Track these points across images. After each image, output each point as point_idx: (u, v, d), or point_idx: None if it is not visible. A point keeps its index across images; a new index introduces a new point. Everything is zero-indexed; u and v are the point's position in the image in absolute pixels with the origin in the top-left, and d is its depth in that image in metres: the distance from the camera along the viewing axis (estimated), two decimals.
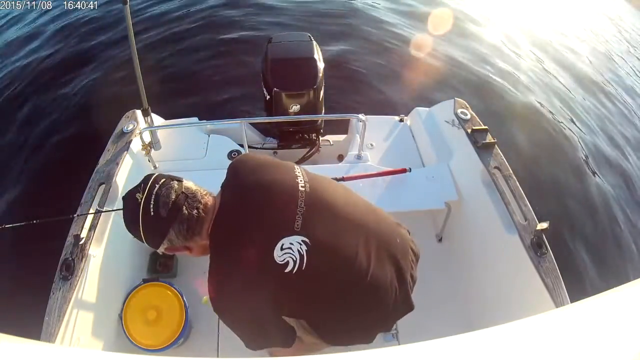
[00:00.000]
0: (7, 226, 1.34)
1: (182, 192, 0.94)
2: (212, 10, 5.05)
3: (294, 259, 0.91)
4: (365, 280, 0.97)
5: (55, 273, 1.48)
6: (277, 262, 0.90)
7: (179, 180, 0.97)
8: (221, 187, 1.05)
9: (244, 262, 0.92)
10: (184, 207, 0.93)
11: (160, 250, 0.99)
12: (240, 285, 0.92)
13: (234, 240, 0.95)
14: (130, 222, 0.94)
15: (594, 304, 0.64)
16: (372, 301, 1.01)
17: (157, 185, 0.93)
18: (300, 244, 0.92)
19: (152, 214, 0.91)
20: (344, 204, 1.04)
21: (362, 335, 1.10)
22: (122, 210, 0.96)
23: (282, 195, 0.97)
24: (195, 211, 0.94)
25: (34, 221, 1.41)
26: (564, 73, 4.91)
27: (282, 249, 0.91)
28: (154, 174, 0.98)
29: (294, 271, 0.90)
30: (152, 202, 0.91)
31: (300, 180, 1.00)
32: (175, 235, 0.94)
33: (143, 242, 0.96)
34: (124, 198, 0.97)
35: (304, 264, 0.91)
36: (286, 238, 0.91)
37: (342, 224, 1.00)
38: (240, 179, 1.04)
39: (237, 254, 0.94)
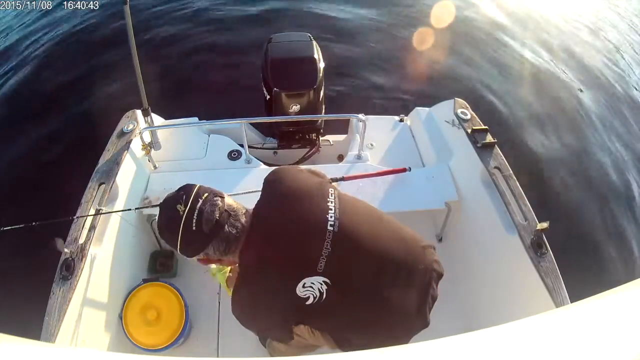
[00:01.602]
0: (6, 228, 1.34)
1: (226, 210, 0.96)
2: (212, 10, 5.05)
3: (315, 295, 0.96)
4: (383, 308, 1.03)
5: (55, 273, 1.48)
6: (299, 295, 0.95)
7: (222, 197, 0.98)
8: (255, 206, 1.06)
9: (269, 291, 0.99)
10: (226, 226, 0.95)
11: (194, 259, 1.01)
12: (263, 308, 1.01)
13: (261, 269, 1.00)
14: (168, 231, 0.96)
15: (594, 304, 0.64)
16: (389, 325, 1.06)
17: (201, 200, 0.94)
18: (322, 284, 0.96)
19: (194, 228, 0.92)
20: (371, 236, 1.05)
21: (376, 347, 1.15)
22: (157, 216, 0.99)
23: (310, 236, 0.99)
24: (234, 230, 0.97)
25: (34, 223, 1.41)
26: (570, 64, 4.88)
27: (304, 286, 0.95)
28: (194, 184, 0.98)
29: (314, 303, 0.96)
30: (194, 217, 0.92)
31: (331, 217, 1.00)
32: (213, 250, 0.97)
33: (176, 249, 0.97)
34: (161, 206, 0.98)
35: (323, 299, 0.96)
36: (308, 278, 0.95)
37: (365, 260, 1.02)
38: (272, 206, 1.06)
39: (264, 282, 0.99)
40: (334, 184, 1.22)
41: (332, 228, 0.99)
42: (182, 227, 0.92)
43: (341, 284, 0.97)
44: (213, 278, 1.44)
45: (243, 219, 0.99)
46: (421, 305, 1.07)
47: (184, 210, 0.93)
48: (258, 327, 1.10)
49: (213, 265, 1.39)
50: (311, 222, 1.00)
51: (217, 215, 0.94)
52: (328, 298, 0.96)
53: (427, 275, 1.09)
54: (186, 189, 0.97)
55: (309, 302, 0.95)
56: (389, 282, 1.03)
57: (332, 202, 1.04)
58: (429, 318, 1.09)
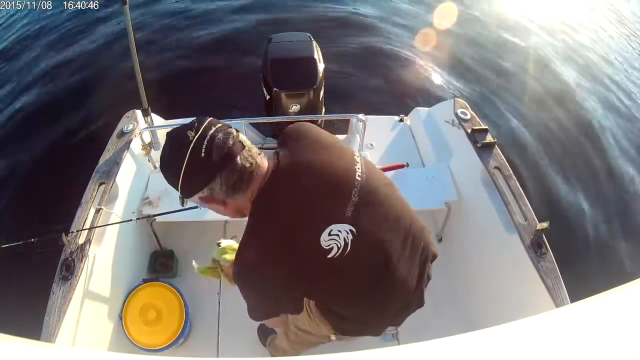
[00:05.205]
0: (4, 246, 1.35)
1: (240, 142, 0.88)
2: (212, 10, 5.05)
3: (339, 245, 0.91)
4: (392, 273, 1.00)
5: (55, 273, 1.48)
6: (323, 246, 0.90)
7: (237, 130, 0.90)
8: (275, 153, 0.99)
9: (287, 242, 0.91)
10: (239, 157, 0.86)
11: (194, 198, 0.90)
12: (272, 263, 0.92)
13: (280, 218, 0.92)
14: (170, 161, 0.87)
15: (594, 304, 0.64)
16: (393, 294, 1.03)
17: (214, 128, 0.85)
18: (348, 233, 0.91)
19: (202, 155, 0.82)
20: (389, 199, 1.03)
21: (373, 326, 1.13)
22: (162, 149, 0.90)
23: (339, 182, 0.95)
24: (248, 164, 0.88)
25: (32, 240, 1.42)
26: (572, 62, 4.88)
27: (329, 234, 0.90)
28: (207, 116, 0.90)
29: (336, 256, 0.91)
30: (205, 143, 0.82)
31: (359, 169, 0.98)
32: (220, 185, 0.86)
33: (176, 188, 0.87)
34: (169, 134, 0.89)
35: (346, 252, 0.91)
36: (336, 225, 0.91)
37: (385, 219, 1.00)
38: (299, 152, 0.98)
39: (282, 232, 0.92)
40: None
41: (360, 178, 0.96)
42: (189, 154, 0.82)
43: (364, 235, 0.93)
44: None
45: (258, 159, 0.91)
46: (419, 280, 1.06)
47: (194, 136, 0.83)
48: (267, 293, 0.99)
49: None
50: (340, 169, 0.96)
51: (231, 143, 0.84)
52: (351, 250, 0.91)
53: (426, 251, 1.09)
54: (199, 119, 0.88)
55: (331, 254, 0.90)
56: (399, 246, 1.01)
57: (358, 158, 1.02)
58: (424, 298, 1.10)
